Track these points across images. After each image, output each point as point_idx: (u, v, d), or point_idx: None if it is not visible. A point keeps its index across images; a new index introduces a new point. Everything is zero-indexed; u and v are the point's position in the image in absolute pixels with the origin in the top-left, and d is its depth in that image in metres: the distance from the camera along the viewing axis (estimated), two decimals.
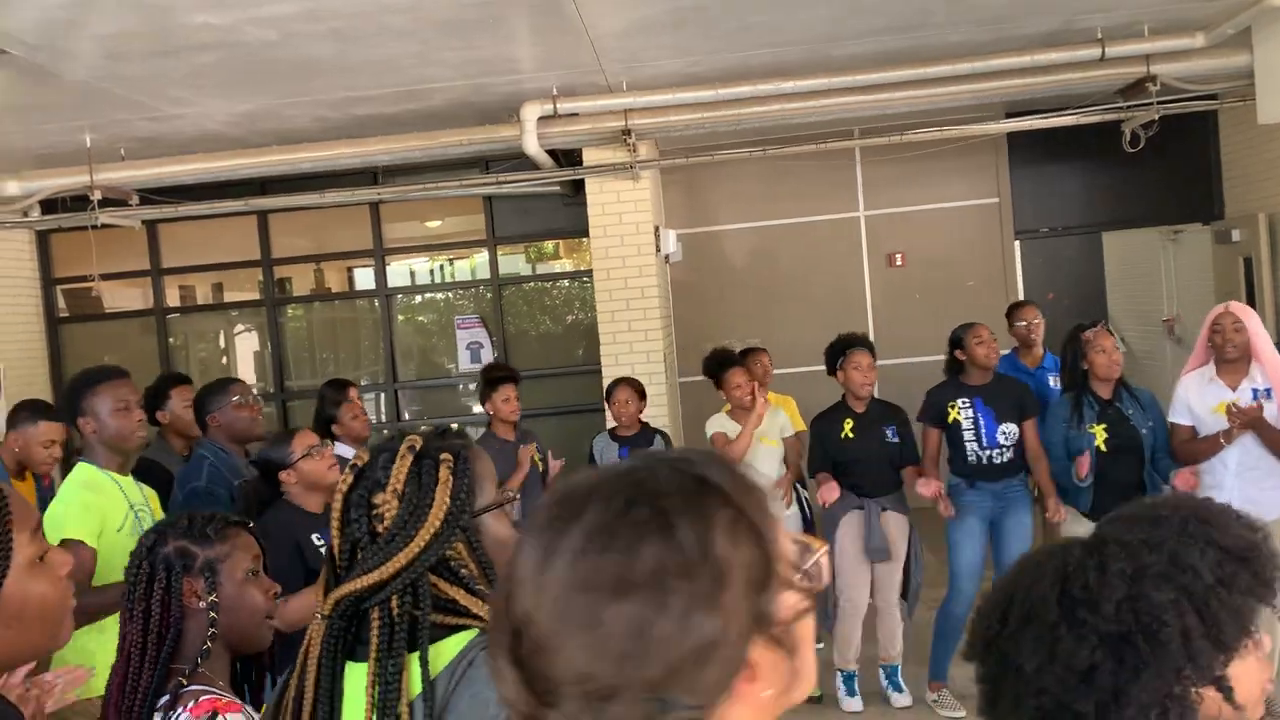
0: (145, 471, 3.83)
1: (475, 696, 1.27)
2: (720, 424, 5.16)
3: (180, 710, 1.67)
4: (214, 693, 1.71)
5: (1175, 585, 1.09)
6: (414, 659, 1.31)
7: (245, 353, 8.95)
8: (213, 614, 1.79)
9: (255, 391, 3.89)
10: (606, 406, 5.30)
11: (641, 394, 5.28)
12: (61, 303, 8.60)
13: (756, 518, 0.78)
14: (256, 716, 1.72)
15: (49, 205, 7.21)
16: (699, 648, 0.73)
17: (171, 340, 8.67)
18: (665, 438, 5.32)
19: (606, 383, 6.48)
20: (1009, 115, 7.45)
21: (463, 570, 1.37)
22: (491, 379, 5.04)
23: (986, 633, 1.17)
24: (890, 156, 8.18)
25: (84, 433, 3.18)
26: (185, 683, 1.73)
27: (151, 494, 3.34)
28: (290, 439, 3.34)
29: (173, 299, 8.74)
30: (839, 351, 4.94)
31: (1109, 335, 4.49)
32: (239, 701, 1.71)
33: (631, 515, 0.76)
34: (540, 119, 6.41)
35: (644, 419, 5.30)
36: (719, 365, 5.14)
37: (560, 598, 0.75)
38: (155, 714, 1.70)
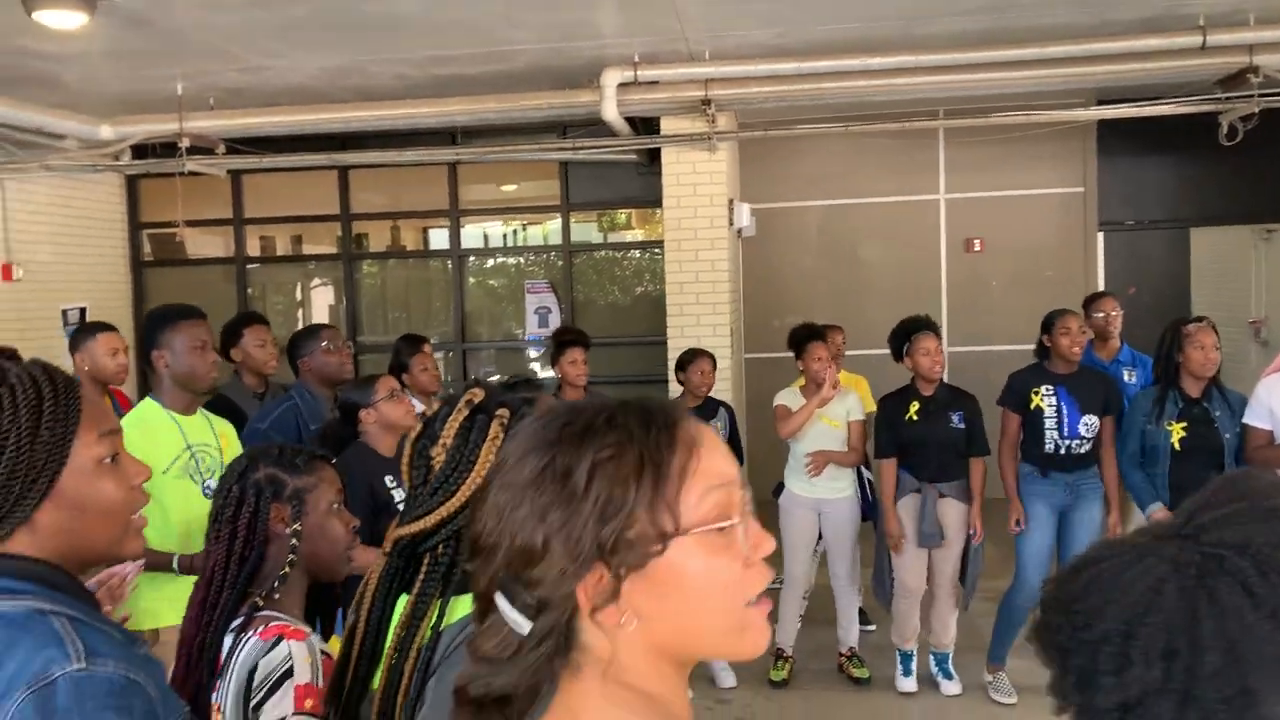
0: (218, 408, 3.90)
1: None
2: (788, 397, 5.13)
3: (251, 633, 1.73)
4: (284, 619, 1.76)
5: None
6: (437, 605, 1.36)
7: (320, 305, 9.13)
8: (295, 541, 1.85)
9: (344, 338, 4.06)
10: (677, 376, 5.26)
11: (714, 365, 5.30)
12: (147, 247, 8.84)
13: (645, 462, 0.87)
14: (322, 646, 1.77)
15: (139, 151, 7.39)
16: (533, 548, 0.87)
17: (250, 290, 8.86)
18: (729, 410, 5.30)
19: (672, 355, 6.49)
20: (1100, 102, 7.24)
21: None
22: (561, 341, 5.11)
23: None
24: (975, 139, 8.01)
25: (156, 366, 3.21)
26: (260, 604, 1.79)
27: (225, 431, 3.38)
28: (375, 382, 3.54)
29: (253, 249, 8.93)
30: (905, 336, 4.88)
31: (1211, 333, 4.36)
32: (306, 630, 1.75)
33: (539, 434, 0.91)
34: (620, 85, 6.39)
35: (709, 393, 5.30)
36: (805, 337, 5.11)
37: (485, 484, 0.94)
38: (227, 635, 1.77)
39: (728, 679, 5.07)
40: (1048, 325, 4.77)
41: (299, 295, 9.28)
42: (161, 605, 2.95)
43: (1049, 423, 4.66)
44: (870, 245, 8.69)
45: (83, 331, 4.34)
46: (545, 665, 0.90)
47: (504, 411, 1.41)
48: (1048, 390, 4.69)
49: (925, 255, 8.71)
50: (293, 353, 4.08)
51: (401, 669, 1.34)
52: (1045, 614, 1.04)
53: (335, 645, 1.83)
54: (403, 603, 1.40)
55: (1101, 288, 8.06)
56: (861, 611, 5.71)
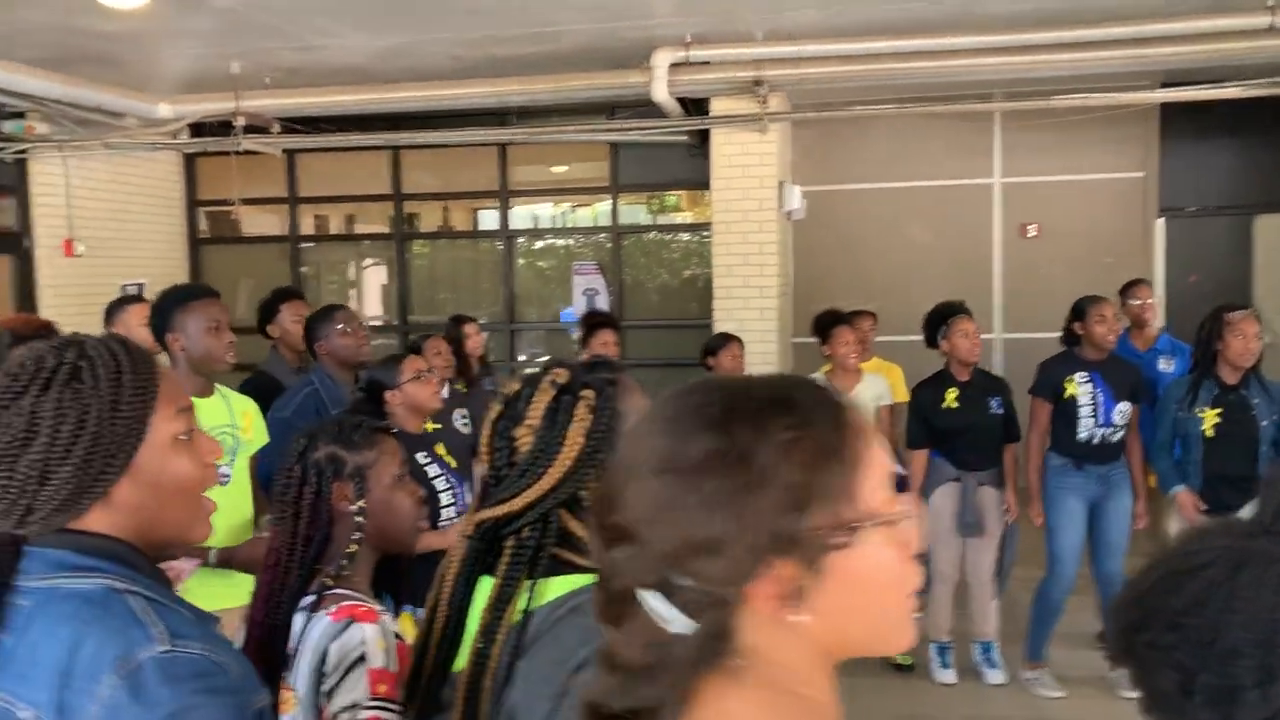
0: (258, 384, 3.95)
1: (558, 638, 1.28)
2: None
3: (322, 612, 1.70)
4: (355, 598, 1.74)
5: None
6: (525, 588, 1.33)
7: (372, 284, 9.22)
8: (360, 519, 1.82)
9: (360, 319, 3.94)
10: (706, 362, 5.16)
11: (743, 349, 5.26)
12: (203, 224, 8.98)
13: (828, 447, 0.82)
14: (393, 624, 1.76)
15: (196, 129, 7.50)
16: (709, 539, 0.79)
17: (304, 268, 8.97)
18: None
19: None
20: (1165, 84, 7.06)
21: None
22: (591, 324, 5.10)
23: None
24: (1032, 122, 7.85)
25: (171, 350, 3.09)
26: (330, 583, 1.76)
27: (247, 409, 3.33)
28: (400, 362, 3.45)
29: (307, 227, 9.04)
30: (941, 319, 4.80)
31: (1255, 322, 4.25)
32: (377, 610, 1.73)
33: (703, 411, 0.84)
34: (671, 66, 6.36)
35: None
36: (831, 322, 5.06)
37: (626, 465, 0.86)
38: (298, 615, 1.74)
39: None
40: (1080, 313, 4.68)
41: (352, 274, 9.38)
42: (218, 591, 2.80)
43: (1084, 410, 4.57)
44: (923, 229, 8.57)
45: (116, 304, 4.34)
46: (697, 671, 0.81)
47: (589, 392, 1.38)
48: (1083, 378, 4.60)
49: (979, 240, 8.57)
50: (309, 336, 3.95)
51: (489, 652, 1.31)
52: (1148, 632, 0.96)
53: (406, 621, 1.84)
54: (484, 586, 1.38)
55: (1162, 275, 7.90)
56: None
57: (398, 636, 1.71)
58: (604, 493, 0.87)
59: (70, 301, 7.28)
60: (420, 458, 3.29)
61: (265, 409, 3.56)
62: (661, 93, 6.45)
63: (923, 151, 8.41)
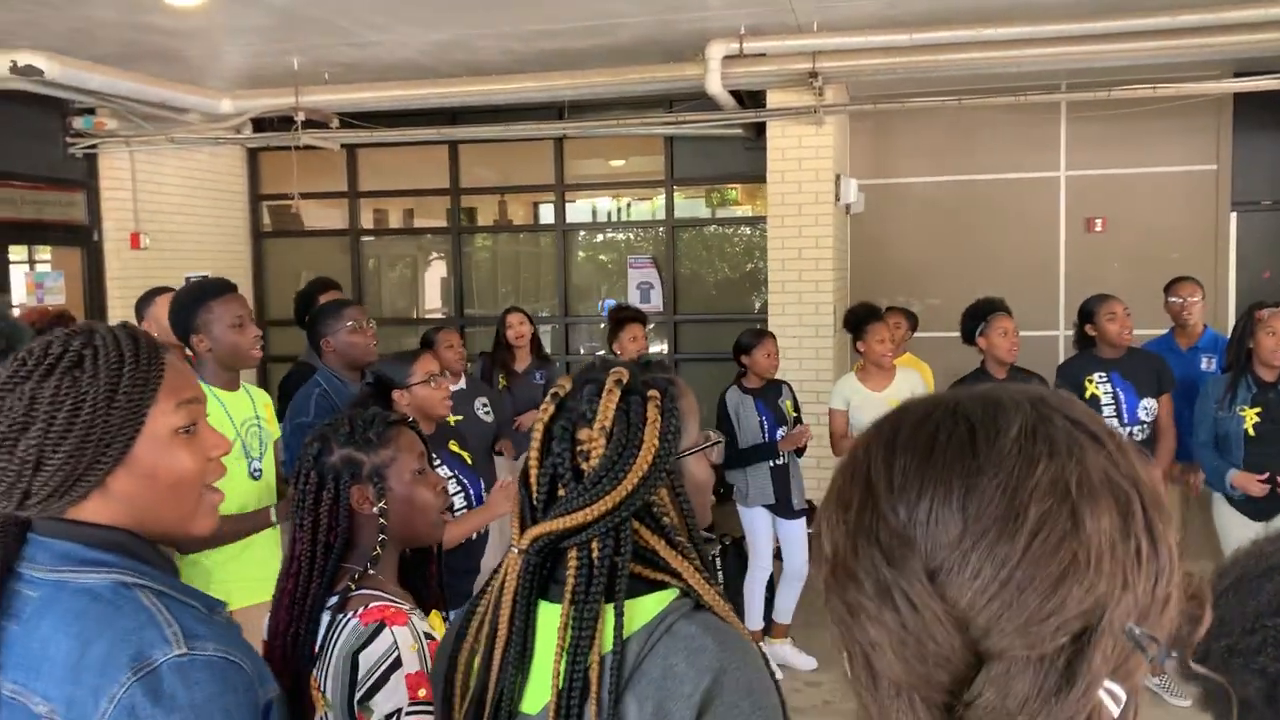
0: (302, 375, 3.92)
1: (669, 668, 1.18)
2: (847, 387, 4.98)
3: (349, 615, 1.66)
4: (384, 599, 1.69)
5: None
6: (609, 611, 1.22)
7: (432, 278, 9.32)
8: (383, 520, 1.77)
9: (369, 317, 3.71)
10: (739, 359, 5.00)
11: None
12: (266, 218, 9.15)
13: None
14: (422, 622, 1.71)
15: (259, 125, 7.64)
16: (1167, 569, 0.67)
17: (364, 261, 9.09)
18: (790, 388, 5.18)
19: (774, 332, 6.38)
20: (1237, 74, 6.82)
21: (664, 518, 1.28)
22: (618, 319, 5.05)
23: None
24: (1099, 113, 7.65)
25: (197, 350, 3.05)
26: (354, 586, 1.71)
27: (267, 403, 3.30)
28: (413, 360, 3.27)
29: (366, 221, 9.16)
30: (979, 317, 4.67)
31: None
32: (406, 610, 1.69)
33: (1029, 428, 0.68)
34: (725, 58, 6.30)
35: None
36: (865, 317, 4.96)
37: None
38: (324, 614, 1.70)
39: (806, 663, 4.96)
40: (1089, 314, 4.60)
41: (410, 268, 9.49)
42: (234, 587, 2.75)
43: (1106, 410, 4.47)
44: (985, 224, 8.39)
45: (144, 297, 4.34)
46: None
47: (655, 393, 1.28)
48: (1101, 377, 4.51)
49: (1043, 235, 8.37)
50: (315, 331, 3.68)
51: (583, 685, 1.18)
52: (1226, 638, 0.88)
53: (435, 619, 1.80)
54: (546, 610, 1.27)
55: (1233, 271, 7.64)
56: None
57: (429, 637, 1.66)
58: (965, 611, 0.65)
59: (136, 293, 7.33)
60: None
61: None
62: (715, 85, 6.40)
63: (985, 144, 8.24)
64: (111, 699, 1.09)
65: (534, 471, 1.28)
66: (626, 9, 5.74)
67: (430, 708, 1.51)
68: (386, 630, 1.60)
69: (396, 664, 1.58)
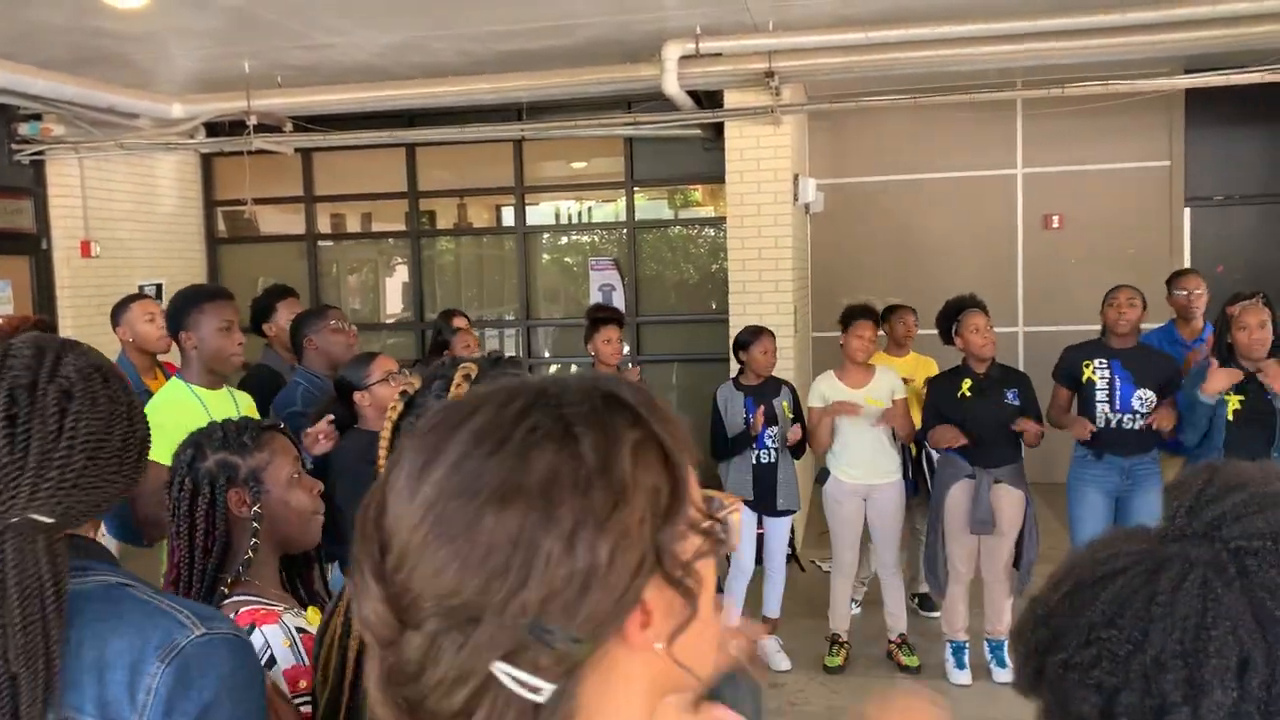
0: (258, 376, 4.00)
1: None
2: (826, 385, 5.00)
3: None
4: (254, 602, 1.71)
5: None
6: None
7: (393, 282, 9.22)
8: (256, 524, 1.79)
9: (348, 319, 3.98)
10: (737, 355, 5.11)
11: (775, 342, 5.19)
12: (221, 224, 9.01)
13: (669, 445, 0.71)
14: (300, 617, 1.73)
15: (212, 129, 7.52)
16: (585, 571, 0.65)
17: (321, 267, 8.98)
18: (792, 389, 5.18)
19: (734, 332, 6.37)
20: (1188, 70, 6.90)
21: None
22: (595, 319, 5.01)
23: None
24: (1054, 111, 7.72)
25: (184, 347, 3.24)
26: (227, 593, 1.73)
27: (247, 403, 3.39)
28: (370, 361, 3.39)
29: (324, 226, 9.05)
30: (953, 315, 4.76)
31: (1258, 311, 4.20)
32: (277, 609, 1.70)
33: (529, 419, 0.69)
34: (681, 58, 6.28)
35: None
36: (852, 314, 4.98)
37: (435, 504, 0.68)
38: None
39: (782, 662, 4.99)
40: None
41: (370, 272, 9.39)
42: None
43: (1099, 394, 4.58)
44: (943, 221, 8.45)
45: (118, 305, 4.39)
46: None
47: None
48: (1100, 364, 4.63)
49: (1001, 232, 8.44)
50: (299, 332, 3.94)
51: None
52: (1061, 651, 0.84)
53: (313, 615, 1.80)
54: None
55: (1188, 265, 7.72)
56: (926, 596, 5.58)
57: (303, 631, 1.67)
58: (398, 559, 0.68)
59: (88, 302, 7.32)
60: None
61: (266, 401, 3.67)
62: (672, 86, 6.37)
63: (943, 143, 8.29)
64: (148, 690, 1.11)
65: (382, 465, 1.32)
66: (583, 9, 5.70)
67: (311, 697, 1.55)
68: (257, 631, 1.63)
69: (270, 662, 1.60)
